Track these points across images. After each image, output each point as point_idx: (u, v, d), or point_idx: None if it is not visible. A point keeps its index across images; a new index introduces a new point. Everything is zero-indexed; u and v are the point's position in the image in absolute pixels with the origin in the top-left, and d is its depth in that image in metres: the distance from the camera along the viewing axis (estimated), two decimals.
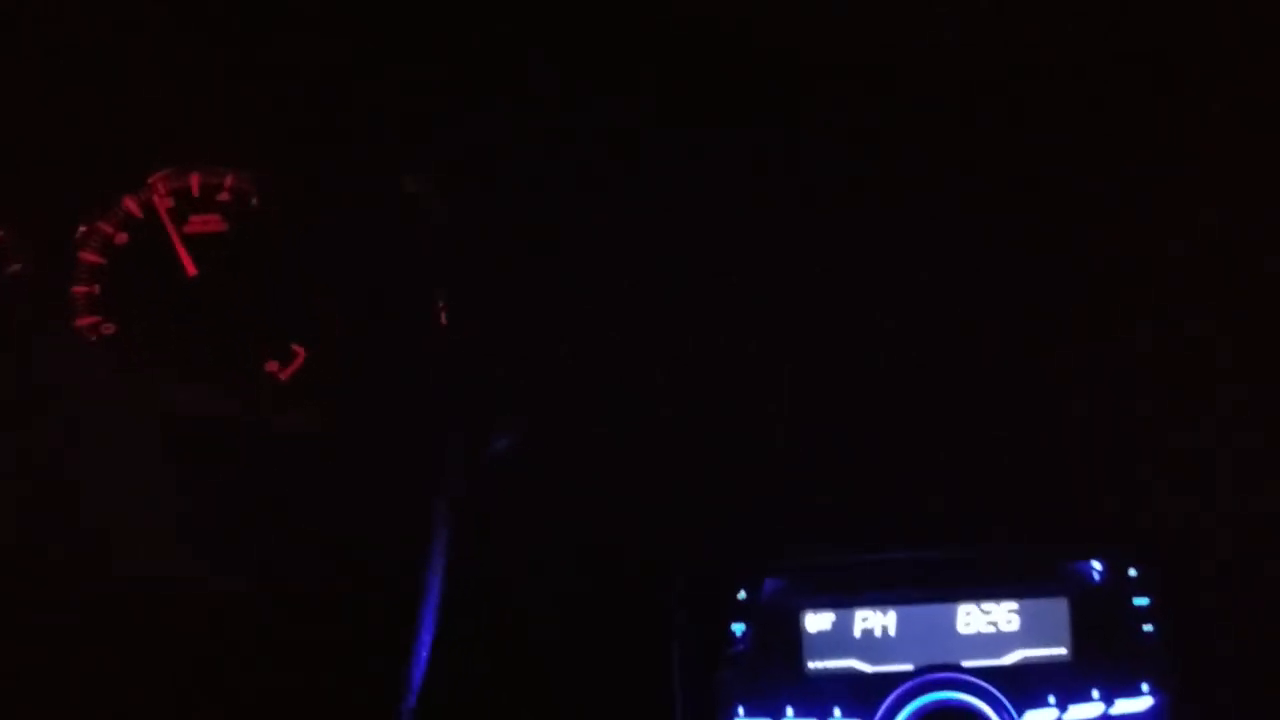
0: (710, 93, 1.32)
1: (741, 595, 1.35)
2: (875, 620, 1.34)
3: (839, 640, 1.34)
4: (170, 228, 1.30)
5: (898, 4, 1.27)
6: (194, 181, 1.31)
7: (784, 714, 1.33)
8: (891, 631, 1.34)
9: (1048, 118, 1.33)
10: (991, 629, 1.33)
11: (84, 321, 1.30)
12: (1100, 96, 1.32)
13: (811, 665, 1.34)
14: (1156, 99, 1.31)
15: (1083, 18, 1.26)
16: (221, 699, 1.22)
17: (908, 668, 1.33)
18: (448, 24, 1.27)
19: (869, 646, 1.34)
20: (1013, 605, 1.33)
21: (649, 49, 1.30)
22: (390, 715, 1.23)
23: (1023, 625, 1.33)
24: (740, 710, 1.33)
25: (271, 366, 1.30)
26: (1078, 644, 1.32)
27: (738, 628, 1.34)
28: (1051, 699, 1.31)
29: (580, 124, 1.31)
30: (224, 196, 1.31)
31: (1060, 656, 1.33)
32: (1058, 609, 1.33)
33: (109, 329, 1.30)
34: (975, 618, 1.33)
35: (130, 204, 1.31)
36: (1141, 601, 1.33)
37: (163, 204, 1.30)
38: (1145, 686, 1.31)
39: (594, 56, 1.30)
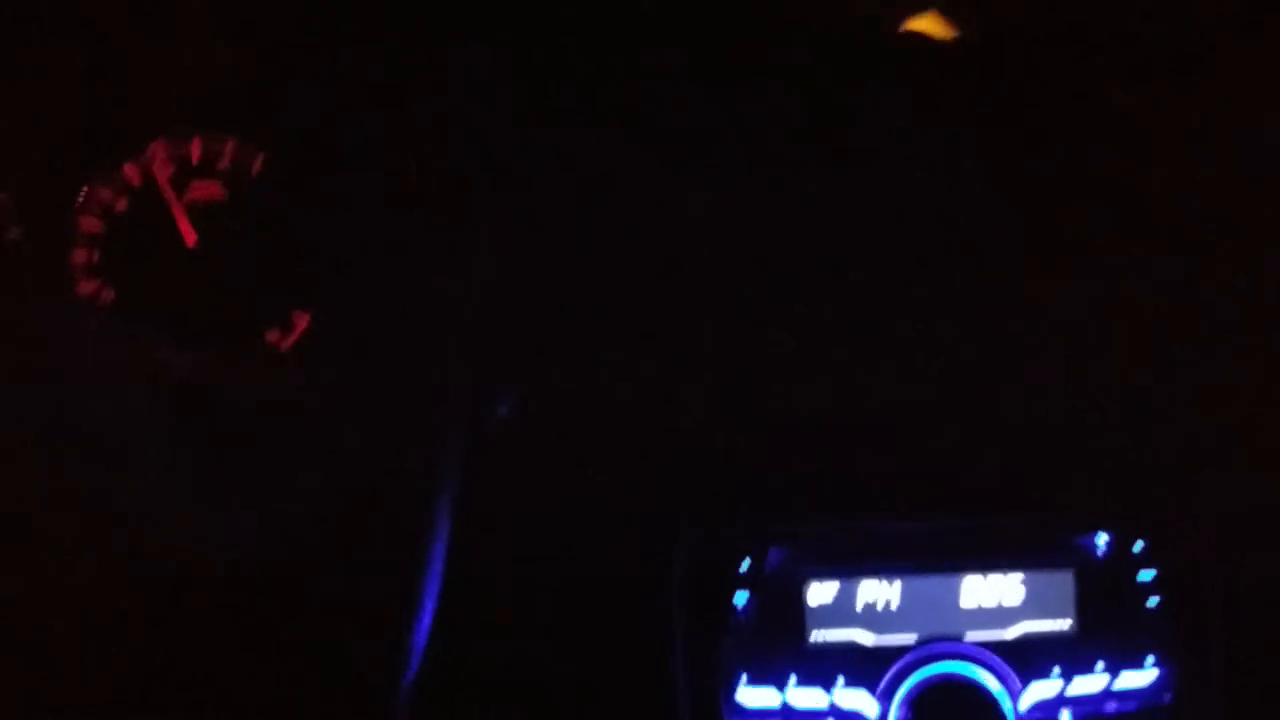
0: (716, 65, 1.30)
1: (744, 565, 1.34)
2: (879, 591, 1.33)
3: (842, 611, 1.33)
4: (170, 195, 1.30)
5: None
6: (194, 148, 1.30)
7: (786, 684, 1.33)
8: (895, 603, 1.33)
9: (1061, 94, 1.32)
10: (996, 601, 1.32)
11: (83, 288, 1.29)
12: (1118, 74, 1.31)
13: (814, 636, 1.33)
14: (1165, 74, 1.30)
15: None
16: (218, 668, 1.22)
17: (911, 639, 1.32)
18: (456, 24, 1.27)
19: (872, 618, 1.33)
20: (1017, 577, 1.32)
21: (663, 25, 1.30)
22: (391, 683, 1.24)
23: (1027, 598, 1.32)
24: (742, 680, 1.33)
25: (272, 335, 1.29)
26: (1082, 617, 1.31)
27: (740, 597, 1.34)
28: (1055, 671, 1.30)
29: (585, 93, 1.30)
30: (224, 164, 1.30)
31: (1065, 629, 1.32)
32: (1063, 582, 1.32)
33: (108, 296, 1.30)
34: (979, 590, 1.33)
35: (130, 171, 1.30)
36: (1147, 575, 1.31)
37: (162, 171, 1.30)
38: (1150, 660, 1.31)
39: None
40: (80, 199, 1.29)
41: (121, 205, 1.30)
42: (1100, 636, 1.31)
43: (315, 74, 1.28)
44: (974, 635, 1.32)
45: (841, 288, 1.36)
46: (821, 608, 1.34)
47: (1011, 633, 1.32)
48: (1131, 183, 1.33)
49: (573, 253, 1.33)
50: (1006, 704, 1.29)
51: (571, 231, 1.32)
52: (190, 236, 1.29)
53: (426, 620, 1.26)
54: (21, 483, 1.26)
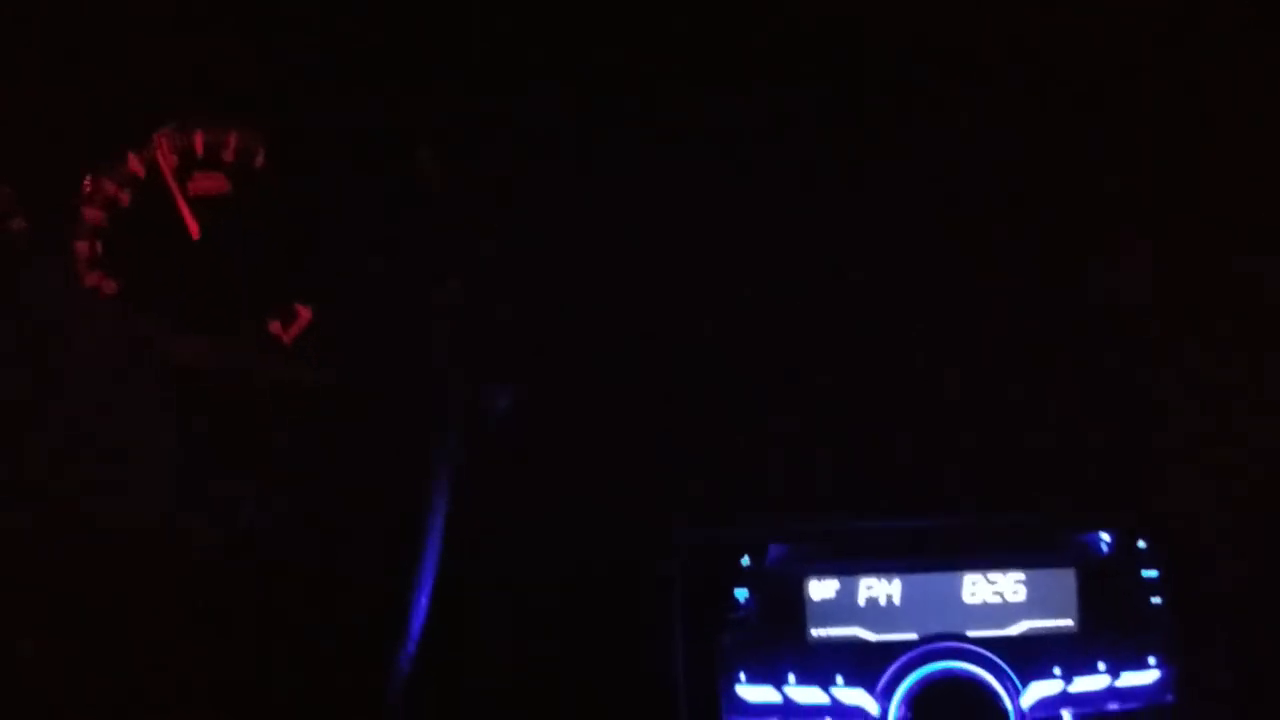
0: (718, 64, 1.31)
1: (745, 561, 1.34)
2: (880, 588, 1.33)
3: (843, 608, 1.33)
4: (174, 187, 1.30)
5: None
6: (198, 140, 1.31)
7: (786, 681, 1.32)
8: (896, 600, 1.33)
9: (1065, 111, 1.32)
10: (997, 599, 1.32)
11: (87, 279, 1.30)
12: (1123, 89, 1.31)
13: (814, 633, 1.33)
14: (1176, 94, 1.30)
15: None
16: (213, 662, 1.22)
17: (912, 637, 1.32)
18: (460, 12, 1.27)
19: (873, 615, 1.32)
20: (1019, 575, 1.32)
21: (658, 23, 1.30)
22: (388, 678, 1.24)
23: (1029, 596, 1.31)
24: (742, 676, 1.33)
25: (275, 326, 1.30)
26: (1084, 616, 1.31)
27: (741, 593, 1.33)
28: (1057, 670, 1.30)
29: (586, 90, 1.30)
30: (228, 156, 1.31)
31: (1066, 628, 1.31)
32: (1065, 580, 1.31)
33: (111, 287, 1.31)
34: (981, 587, 1.32)
35: (134, 162, 1.30)
36: (1149, 574, 1.31)
37: (167, 162, 1.31)
38: (1152, 659, 1.30)
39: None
40: (84, 190, 1.30)
41: (125, 197, 1.31)
42: (1102, 635, 1.30)
43: (319, 67, 1.28)
44: (975, 633, 1.31)
45: (843, 286, 1.35)
46: (822, 604, 1.33)
47: (1013, 631, 1.31)
48: (1131, 183, 1.33)
49: (572, 251, 1.33)
50: (1007, 702, 1.28)
51: (571, 230, 1.32)
52: (194, 228, 1.30)
53: (423, 614, 1.26)
54: (24, 469, 1.27)
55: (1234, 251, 1.30)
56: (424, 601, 1.22)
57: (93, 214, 1.30)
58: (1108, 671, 1.30)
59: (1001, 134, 1.34)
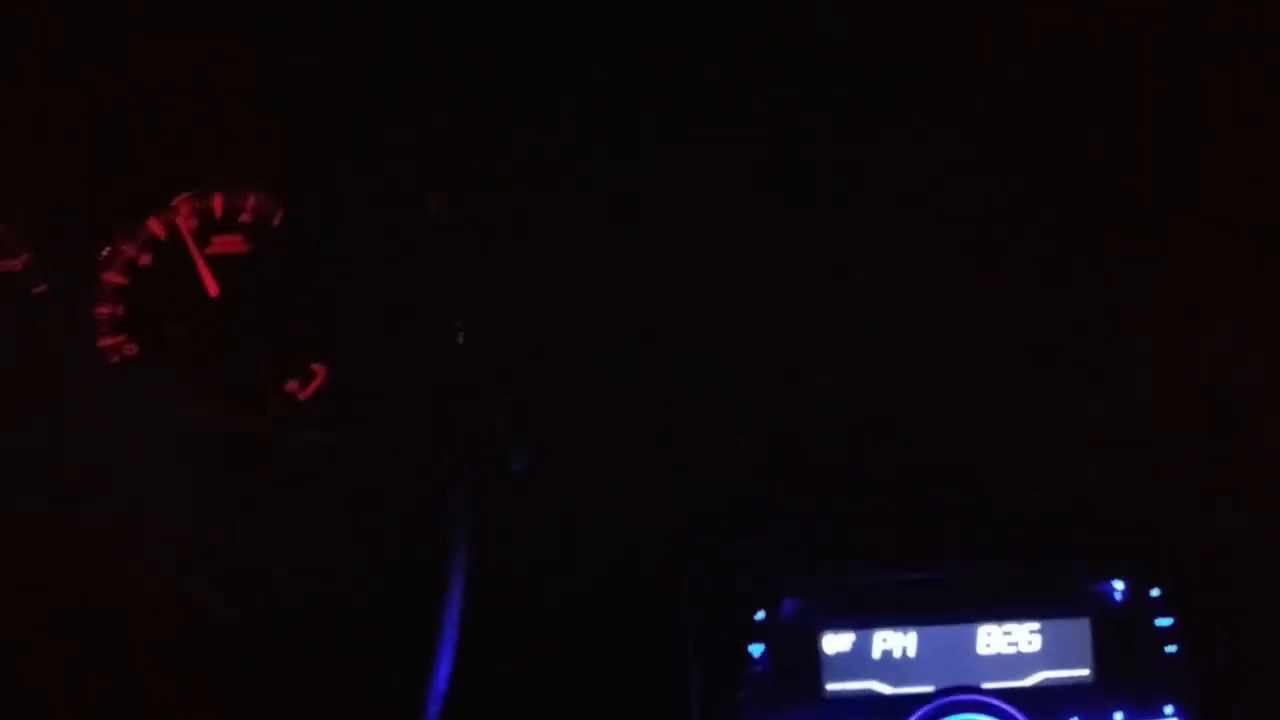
0: (719, 88, 1.32)
1: (759, 616, 1.34)
2: (895, 641, 1.33)
3: (858, 661, 1.33)
4: (193, 249, 1.32)
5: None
6: (217, 202, 1.33)
7: None
8: (911, 652, 1.32)
9: (1065, 121, 1.33)
10: (1013, 650, 1.32)
11: (107, 342, 1.32)
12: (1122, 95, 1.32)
13: (830, 687, 1.33)
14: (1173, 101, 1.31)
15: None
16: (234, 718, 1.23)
17: (928, 689, 1.31)
18: (463, 43, 1.29)
19: (889, 668, 1.32)
20: (1034, 626, 1.32)
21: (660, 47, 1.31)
22: None
23: (1044, 646, 1.31)
24: None
25: (291, 386, 1.31)
26: (1100, 665, 1.30)
27: (756, 649, 1.33)
28: None
29: (598, 138, 1.32)
30: (246, 217, 1.33)
31: (1083, 678, 1.31)
32: (1080, 630, 1.31)
33: (131, 349, 1.32)
34: (996, 638, 1.32)
35: (154, 225, 1.33)
36: (1164, 622, 1.31)
37: (186, 225, 1.33)
38: (1169, 708, 1.29)
39: (606, 63, 1.31)
40: (105, 254, 1.32)
41: (145, 259, 1.33)
42: (1119, 684, 1.30)
43: (335, 129, 1.30)
44: (991, 684, 1.31)
45: (853, 334, 1.36)
46: (837, 658, 1.33)
47: (1029, 681, 1.31)
48: (1137, 218, 1.34)
49: (590, 304, 1.34)
50: None
51: (583, 277, 1.33)
52: (213, 289, 1.32)
53: (446, 673, 1.26)
54: (42, 531, 1.28)
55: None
56: (445, 676, 1.22)
57: (113, 277, 1.32)
58: None
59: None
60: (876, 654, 1.33)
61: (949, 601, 1.33)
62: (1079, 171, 1.33)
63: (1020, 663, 1.31)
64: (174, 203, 1.33)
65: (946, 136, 1.33)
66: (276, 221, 1.32)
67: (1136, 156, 1.33)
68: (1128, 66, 1.30)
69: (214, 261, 1.32)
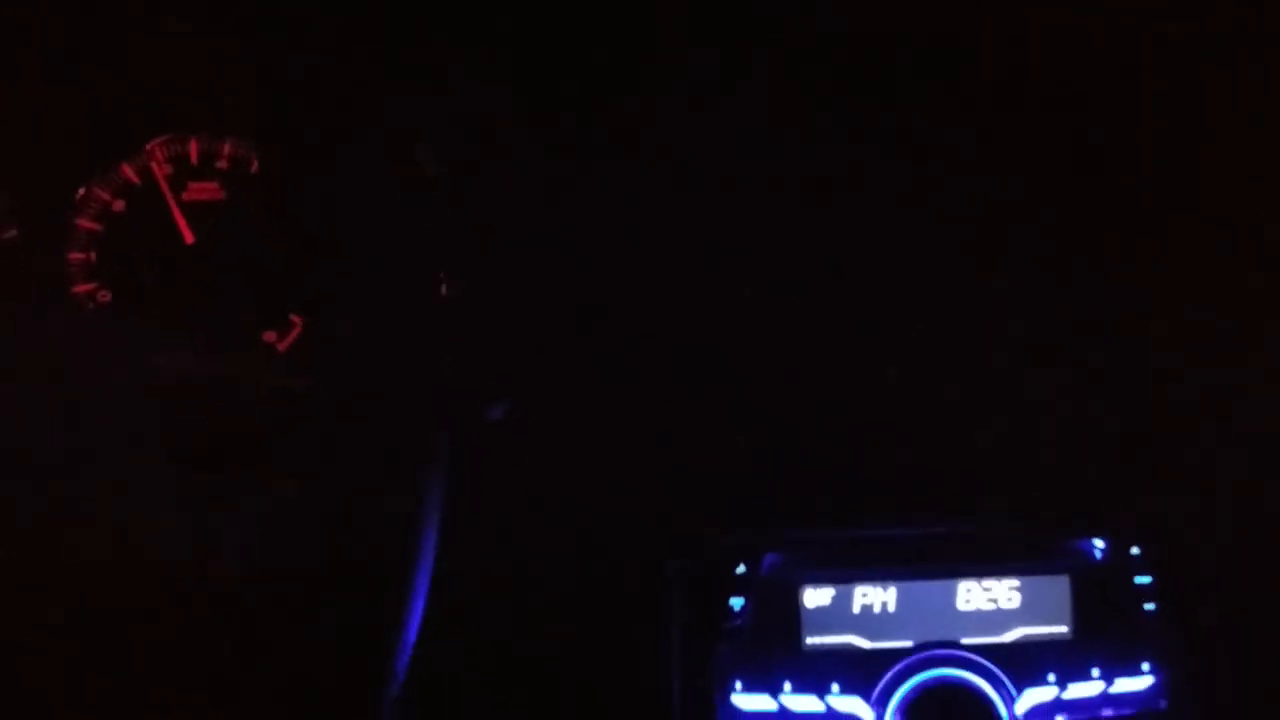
0: (720, 85, 1.31)
1: (740, 569, 1.34)
2: (875, 596, 1.33)
3: (838, 616, 1.33)
4: (168, 195, 1.30)
5: None
6: (192, 148, 1.30)
7: (782, 690, 1.32)
8: (891, 608, 1.33)
9: (1065, 121, 1.33)
10: (992, 606, 1.32)
11: (80, 289, 1.29)
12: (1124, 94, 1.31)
13: (810, 641, 1.33)
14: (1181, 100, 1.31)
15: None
16: (207, 678, 1.21)
17: (907, 644, 1.32)
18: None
19: (868, 622, 1.33)
20: (1014, 582, 1.32)
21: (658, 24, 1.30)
22: (379, 690, 1.23)
23: (1023, 603, 1.32)
24: (738, 685, 1.33)
25: (269, 336, 1.29)
26: (1078, 622, 1.32)
27: (736, 602, 1.34)
28: (1051, 677, 1.30)
29: (582, 96, 1.30)
30: (222, 164, 1.30)
31: (1061, 634, 1.32)
32: (1059, 587, 1.32)
33: (105, 296, 1.30)
34: (976, 594, 1.33)
35: (128, 170, 1.30)
36: (1143, 580, 1.32)
37: (161, 171, 1.30)
38: (1146, 665, 1.31)
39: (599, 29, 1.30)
40: (78, 199, 1.29)
41: (119, 205, 1.30)
42: (1096, 642, 1.31)
43: (314, 74, 1.28)
44: (970, 640, 1.32)
45: (837, 295, 1.36)
46: (817, 612, 1.33)
47: (1007, 638, 1.32)
48: (1131, 194, 1.33)
49: (571, 260, 1.33)
50: (1002, 709, 1.29)
51: (569, 239, 1.32)
52: (188, 236, 1.29)
53: (415, 626, 1.26)
54: (12, 483, 1.25)
55: (1230, 260, 1.31)
56: (419, 608, 1.22)
57: (87, 222, 1.29)
58: (1102, 678, 1.30)
59: (1001, 134, 1.34)
60: (856, 608, 1.33)
61: (929, 557, 1.34)
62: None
63: (999, 618, 1.32)
64: (148, 147, 1.30)
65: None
66: (254, 168, 1.29)
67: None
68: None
69: (190, 208, 1.29)
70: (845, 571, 1.34)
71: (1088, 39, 1.28)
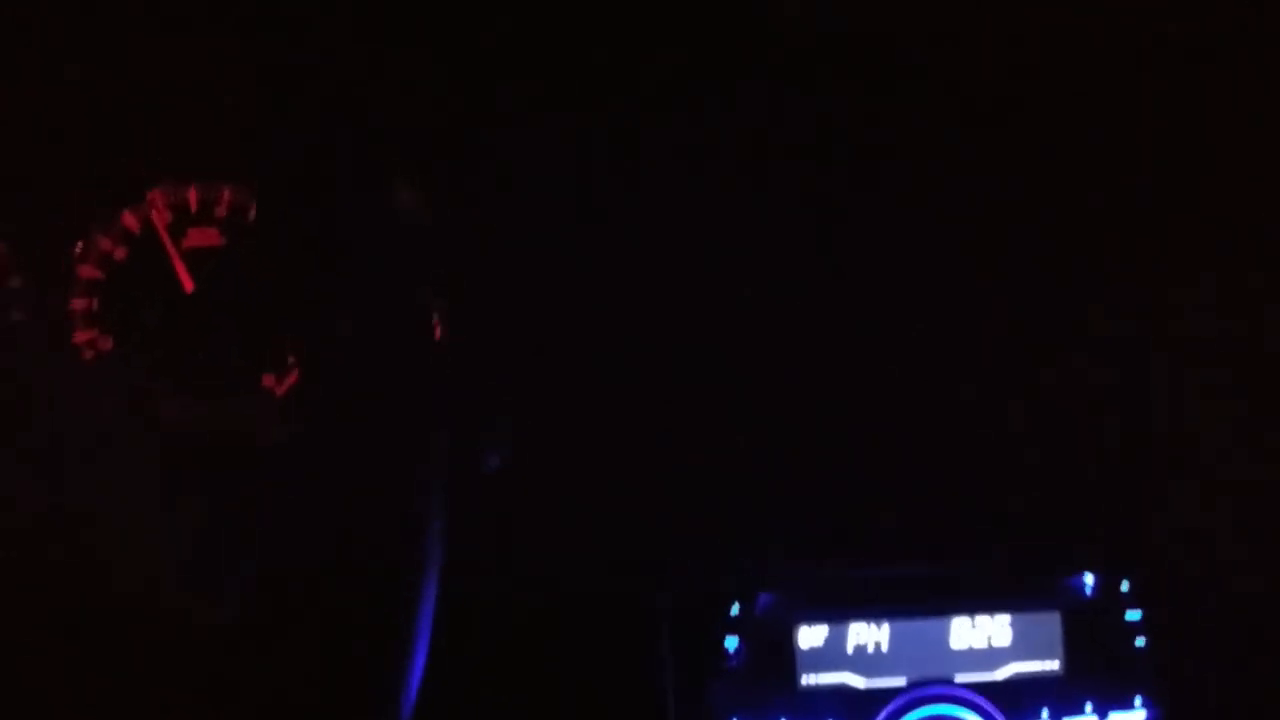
0: (719, 87, 1.32)
1: (734, 610, 1.35)
2: (868, 635, 1.34)
3: (832, 655, 1.34)
4: (168, 242, 1.31)
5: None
6: (192, 196, 1.32)
7: None
8: (884, 646, 1.34)
9: (1065, 121, 1.34)
10: (984, 643, 1.33)
11: (82, 336, 1.31)
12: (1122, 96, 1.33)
13: (805, 680, 1.34)
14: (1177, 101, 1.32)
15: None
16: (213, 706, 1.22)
17: (901, 682, 1.33)
18: (446, 37, 1.28)
19: (862, 661, 1.34)
20: (1005, 619, 1.33)
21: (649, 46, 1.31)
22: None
23: (1015, 639, 1.33)
24: None
25: (268, 380, 1.30)
26: (1070, 658, 1.33)
27: (731, 642, 1.34)
28: (1045, 713, 1.31)
29: (579, 135, 1.31)
30: (221, 211, 1.32)
31: (1053, 670, 1.33)
32: (1050, 623, 1.33)
33: (106, 344, 1.31)
34: (968, 632, 1.34)
35: (129, 219, 1.32)
36: (1134, 615, 1.33)
37: (161, 219, 1.31)
38: (1138, 700, 1.31)
39: (592, 63, 1.31)
40: (79, 247, 1.31)
41: (120, 253, 1.31)
42: (1089, 677, 1.32)
43: (311, 121, 1.30)
44: (963, 677, 1.33)
45: (835, 337, 1.37)
46: (812, 651, 1.34)
47: (1001, 674, 1.33)
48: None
49: (567, 300, 1.34)
50: None
51: (565, 272, 1.33)
52: (188, 283, 1.31)
53: (419, 666, 1.26)
54: (14, 530, 1.26)
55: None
56: (422, 648, 1.22)
57: (88, 271, 1.31)
58: (1095, 712, 1.31)
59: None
60: (850, 647, 1.34)
61: (921, 595, 1.35)
62: (1079, 171, 1.34)
63: (992, 656, 1.33)
64: (148, 196, 1.32)
65: (947, 136, 1.34)
66: (252, 215, 1.32)
67: (1136, 156, 1.34)
68: (1128, 66, 1.31)
69: (189, 255, 1.31)
70: (839, 610, 1.35)
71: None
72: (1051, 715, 1.31)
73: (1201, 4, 1.25)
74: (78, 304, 1.31)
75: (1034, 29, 1.28)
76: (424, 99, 1.30)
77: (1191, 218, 1.34)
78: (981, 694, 1.32)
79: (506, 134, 1.32)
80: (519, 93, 1.30)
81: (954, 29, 1.29)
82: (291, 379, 1.30)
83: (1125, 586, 1.33)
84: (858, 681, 1.34)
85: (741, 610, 1.35)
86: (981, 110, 1.34)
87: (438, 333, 1.28)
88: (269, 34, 1.27)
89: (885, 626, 1.34)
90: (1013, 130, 1.34)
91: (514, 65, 1.30)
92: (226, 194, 1.31)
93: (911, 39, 1.30)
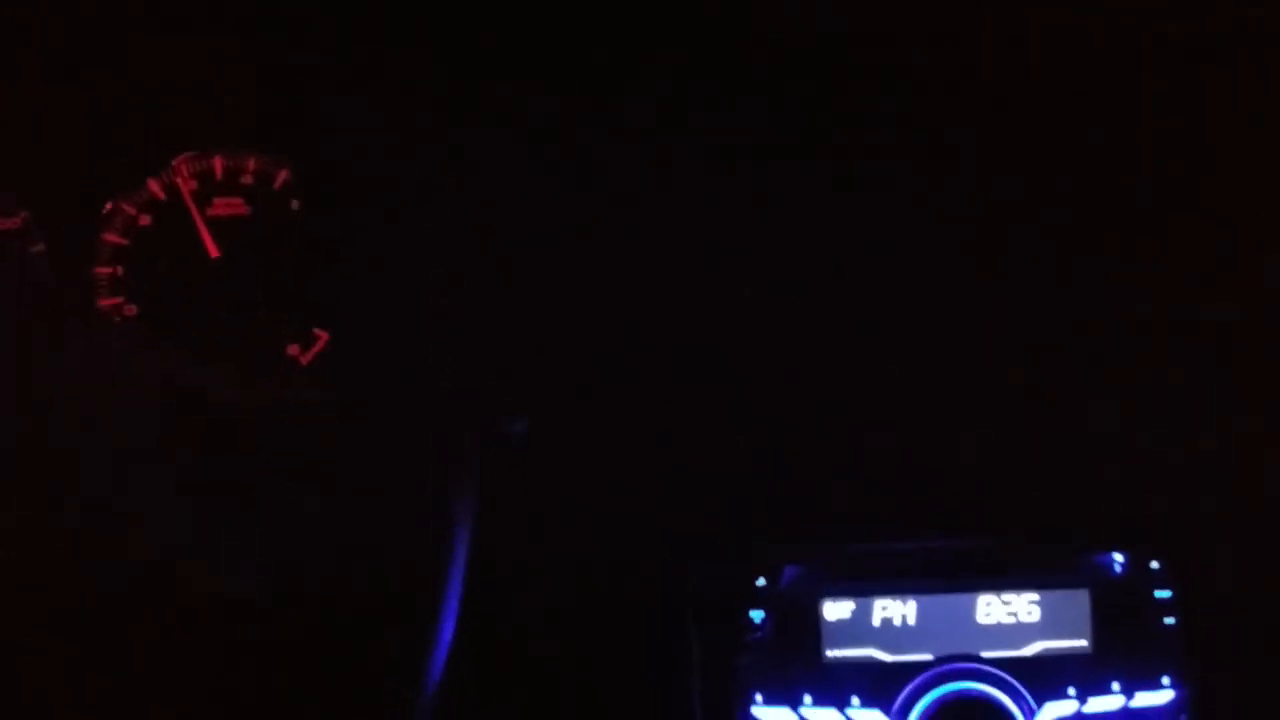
0: (720, 86, 1.31)
1: (761, 582, 1.34)
2: (895, 609, 1.33)
3: (858, 629, 1.33)
4: (193, 210, 1.31)
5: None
6: (217, 164, 1.31)
7: (802, 702, 1.33)
8: (911, 621, 1.33)
9: (1065, 121, 1.33)
10: (1012, 620, 1.32)
11: (106, 303, 1.31)
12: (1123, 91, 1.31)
13: (830, 653, 1.33)
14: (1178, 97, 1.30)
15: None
16: (231, 698, 1.22)
17: (927, 657, 1.32)
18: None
19: (888, 636, 1.33)
20: (1033, 596, 1.32)
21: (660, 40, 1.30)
22: (410, 708, 1.24)
23: (1043, 616, 1.32)
24: (758, 698, 1.33)
25: (293, 349, 1.30)
26: (1098, 636, 1.31)
27: (757, 615, 1.34)
28: (1071, 691, 1.30)
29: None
30: (247, 179, 1.31)
31: (1081, 648, 1.31)
32: (1079, 601, 1.32)
33: (131, 310, 1.31)
34: (995, 608, 1.33)
35: (154, 186, 1.31)
36: (1163, 594, 1.31)
37: (186, 186, 1.31)
38: (1166, 679, 1.30)
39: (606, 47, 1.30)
40: (104, 213, 1.31)
41: (145, 220, 1.31)
42: (1116, 656, 1.31)
43: (338, 90, 1.29)
44: (990, 654, 1.32)
45: (856, 309, 1.36)
46: (837, 625, 1.34)
47: (1027, 651, 1.32)
48: (1131, 194, 1.33)
49: (592, 276, 1.34)
50: None
51: (589, 255, 1.32)
52: (213, 251, 1.30)
53: (445, 644, 1.26)
54: (40, 496, 1.27)
55: (1247, 273, 1.30)
56: (447, 639, 1.22)
57: (113, 238, 1.30)
58: (1122, 692, 1.30)
59: (1001, 134, 1.34)
60: (876, 621, 1.34)
61: (949, 571, 1.34)
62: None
63: (1019, 632, 1.32)
64: (174, 163, 1.31)
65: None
66: (278, 184, 1.31)
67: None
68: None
69: (215, 223, 1.31)
70: (865, 584, 1.34)
71: (1088, 39, 1.28)
72: (1078, 693, 1.30)
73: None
74: (102, 271, 1.31)
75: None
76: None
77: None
78: (1008, 670, 1.31)
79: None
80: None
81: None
82: (316, 349, 1.30)
83: (1155, 565, 1.32)
84: (883, 656, 1.33)
85: (767, 583, 1.35)
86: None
87: (461, 305, 1.28)
88: (296, 7, 1.26)
89: (911, 601, 1.33)
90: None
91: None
92: (252, 163, 1.31)
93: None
